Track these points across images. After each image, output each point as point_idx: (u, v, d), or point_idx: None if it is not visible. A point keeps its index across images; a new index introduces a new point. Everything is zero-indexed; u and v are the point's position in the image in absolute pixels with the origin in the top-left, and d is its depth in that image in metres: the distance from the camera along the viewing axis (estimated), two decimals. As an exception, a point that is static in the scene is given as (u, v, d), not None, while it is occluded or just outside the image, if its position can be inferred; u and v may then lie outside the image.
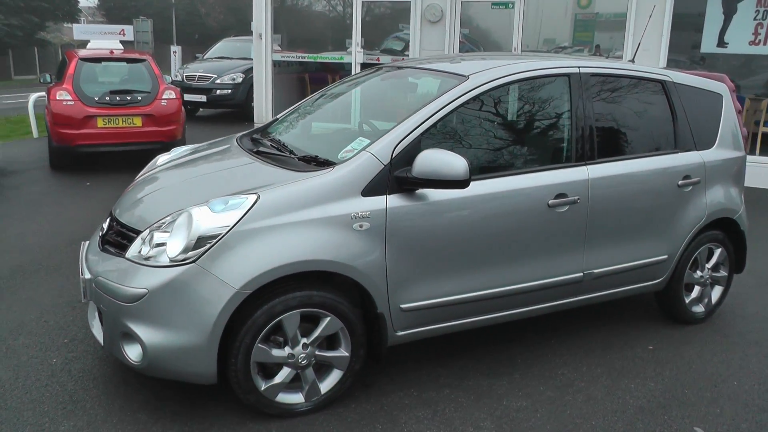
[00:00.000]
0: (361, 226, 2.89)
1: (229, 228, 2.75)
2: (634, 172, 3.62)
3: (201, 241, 2.74)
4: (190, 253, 2.74)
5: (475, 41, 10.97)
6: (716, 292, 4.28)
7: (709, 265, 4.16)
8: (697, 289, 4.16)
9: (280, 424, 2.94)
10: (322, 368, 3.05)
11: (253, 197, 2.83)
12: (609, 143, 3.64)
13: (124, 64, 7.80)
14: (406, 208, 2.98)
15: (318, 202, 2.86)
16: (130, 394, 3.16)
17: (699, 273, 4.12)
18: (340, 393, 3.07)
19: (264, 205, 2.82)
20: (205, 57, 13.78)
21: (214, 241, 2.74)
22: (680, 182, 3.79)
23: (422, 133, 3.05)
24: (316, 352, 2.96)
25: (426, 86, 3.61)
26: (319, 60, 10.47)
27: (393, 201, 2.96)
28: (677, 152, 3.84)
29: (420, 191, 3.01)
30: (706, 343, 3.92)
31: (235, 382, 2.85)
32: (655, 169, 3.71)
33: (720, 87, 4.13)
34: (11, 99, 18.63)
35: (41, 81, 7.68)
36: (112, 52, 7.85)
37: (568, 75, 3.48)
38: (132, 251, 2.90)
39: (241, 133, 4.04)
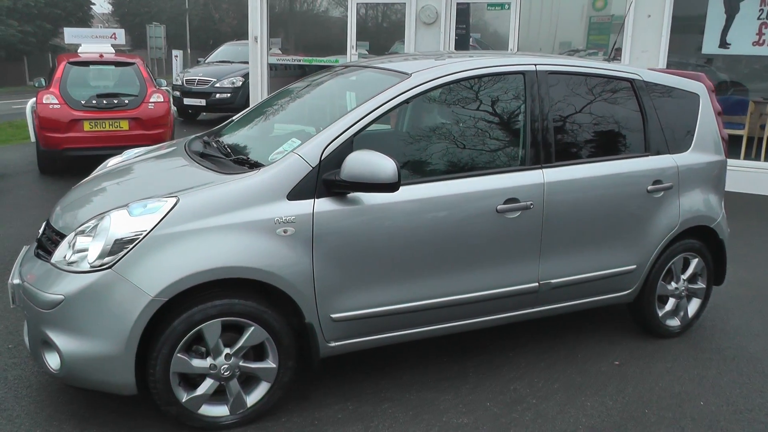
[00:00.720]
0: (285, 232, 2.74)
1: (146, 232, 2.63)
2: (597, 176, 3.41)
3: (117, 245, 2.62)
4: (107, 259, 2.62)
5: (486, 46, 10.77)
6: (693, 305, 4.02)
7: (684, 276, 3.91)
8: (671, 301, 3.92)
9: (204, 439, 2.80)
10: (250, 380, 2.90)
11: (172, 201, 2.70)
12: (570, 145, 3.44)
13: (113, 67, 7.78)
14: (337, 213, 2.82)
15: (240, 206, 2.72)
16: (60, 404, 3.05)
17: (674, 284, 3.88)
18: (269, 406, 2.91)
19: (183, 209, 2.69)
20: (206, 61, 13.80)
21: (131, 246, 2.62)
22: (650, 187, 3.56)
23: (355, 134, 2.89)
24: (241, 363, 2.81)
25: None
26: (314, 63, 10.36)
27: (321, 205, 2.80)
28: (647, 155, 3.62)
29: (352, 195, 2.85)
30: (678, 358, 3.68)
31: (155, 392, 2.71)
32: (621, 174, 3.50)
33: (697, 87, 3.89)
34: (22, 104, 18.89)
35: (35, 85, 7.69)
36: (101, 56, 7.84)
37: (522, 73, 3.29)
38: (57, 256, 2.80)
39: (194, 135, 3.93)
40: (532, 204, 3.17)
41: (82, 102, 7.21)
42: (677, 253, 3.81)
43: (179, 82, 12.06)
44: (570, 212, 3.32)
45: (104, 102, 7.31)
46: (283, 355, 2.85)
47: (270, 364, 2.86)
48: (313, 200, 2.79)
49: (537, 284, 3.30)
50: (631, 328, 4.02)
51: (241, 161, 3.04)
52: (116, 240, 2.63)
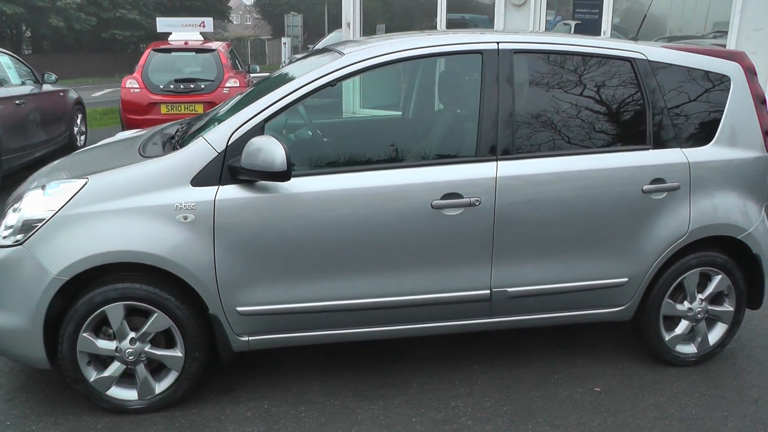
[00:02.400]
0: (185, 218, 2.60)
1: (54, 212, 2.62)
2: (572, 171, 2.88)
3: (28, 223, 2.64)
4: (19, 236, 2.65)
5: (624, 30, 9.85)
6: (717, 331, 3.31)
7: (703, 296, 3.22)
8: (684, 324, 3.25)
9: (110, 420, 2.76)
10: (162, 368, 2.81)
11: (82, 182, 2.67)
12: (539, 136, 2.92)
13: (194, 54, 8.12)
14: (242, 202, 2.62)
15: (143, 189, 2.62)
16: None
17: (687, 304, 3.21)
18: (178, 395, 2.80)
19: (90, 191, 2.64)
20: (315, 48, 14.03)
21: (40, 224, 2.62)
22: (647, 187, 2.95)
23: (268, 118, 2.66)
24: (146, 349, 2.73)
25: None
26: None
27: (226, 192, 2.62)
28: (647, 149, 2.99)
29: (262, 183, 2.64)
30: (678, 393, 3.04)
31: (63, 369, 2.72)
32: (607, 169, 2.92)
33: (729, 67, 3.15)
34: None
35: (53, 79, 8.11)
36: (186, 43, 8.21)
37: (480, 52, 2.84)
38: None
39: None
40: (478, 200, 2.74)
41: (161, 86, 7.61)
42: (691, 268, 3.13)
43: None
44: (532, 212, 2.84)
45: (181, 86, 7.65)
46: (189, 345, 2.73)
47: (177, 353, 2.75)
48: (217, 187, 2.62)
49: (488, 292, 2.87)
50: (636, 349, 3.41)
51: (174, 146, 2.94)
52: (27, 218, 2.65)
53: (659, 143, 3.00)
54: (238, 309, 2.70)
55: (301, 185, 2.66)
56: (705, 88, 3.12)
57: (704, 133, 3.09)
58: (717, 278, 3.20)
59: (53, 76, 7.21)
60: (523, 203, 2.82)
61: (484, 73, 2.81)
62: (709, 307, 3.24)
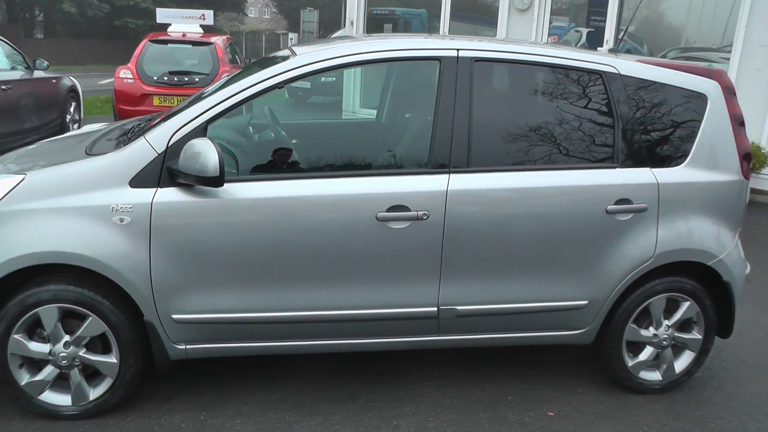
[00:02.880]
0: (121, 220, 2.51)
1: None
2: (530, 187, 2.75)
3: None
4: None
5: (640, 39, 9.67)
6: (684, 359, 3.17)
7: (669, 322, 3.08)
8: (648, 350, 3.11)
9: (42, 425, 2.68)
10: (98, 373, 2.72)
11: (19, 177, 2.59)
12: (497, 149, 2.79)
13: (190, 46, 8.04)
14: (180, 206, 2.53)
15: (82, 188, 2.53)
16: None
17: (652, 330, 3.07)
18: (113, 402, 2.72)
19: (28, 187, 2.56)
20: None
21: None
22: (611, 207, 2.81)
23: (211, 119, 2.56)
24: (81, 354, 2.65)
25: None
26: None
27: (164, 195, 2.52)
28: (614, 167, 2.86)
29: (201, 187, 2.54)
30: (639, 422, 2.91)
31: (-6, 371, 2.64)
32: (568, 187, 2.79)
33: (706, 85, 3.00)
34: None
35: (45, 66, 8.06)
36: (184, 35, 8.14)
37: (438, 59, 2.72)
38: None
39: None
40: (426, 214, 2.63)
41: (155, 78, 7.55)
42: (657, 293, 3.00)
43: None
44: (485, 229, 2.71)
45: (175, 79, 7.59)
46: (124, 352, 2.64)
47: (112, 359, 2.66)
48: (155, 189, 2.53)
49: (435, 309, 2.75)
50: (600, 373, 3.28)
51: (123, 142, 2.85)
52: None
53: (627, 162, 2.86)
54: (174, 316, 2.61)
55: (241, 191, 2.56)
56: (680, 106, 2.97)
57: (677, 154, 2.95)
58: (685, 305, 3.06)
59: (45, 63, 7.17)
60: (475, 219, 2.69)
61: (441, 80, 2.68)
62: (676, 334, 3.11)
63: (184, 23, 8.58)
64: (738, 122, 3.04)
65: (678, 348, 3.17)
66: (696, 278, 3.05)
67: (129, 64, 7.66)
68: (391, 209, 2.60)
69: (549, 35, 8.72)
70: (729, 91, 3.04)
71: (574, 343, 3.03)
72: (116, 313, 2.59)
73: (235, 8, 31.24)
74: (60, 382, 2.70)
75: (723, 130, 3.00)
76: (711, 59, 7.52)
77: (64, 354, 2.62)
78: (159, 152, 2.53)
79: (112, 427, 2.67)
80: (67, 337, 2.62)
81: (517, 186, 2.73)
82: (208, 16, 8.90)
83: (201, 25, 8.64)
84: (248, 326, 2.67)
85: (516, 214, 2.74)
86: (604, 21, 8.87)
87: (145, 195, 2.51)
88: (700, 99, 2.98)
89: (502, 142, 2.79)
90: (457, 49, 2.73)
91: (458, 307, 2.76)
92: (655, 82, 2.94)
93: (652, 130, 2.91)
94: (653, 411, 3.00)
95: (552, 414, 2.92)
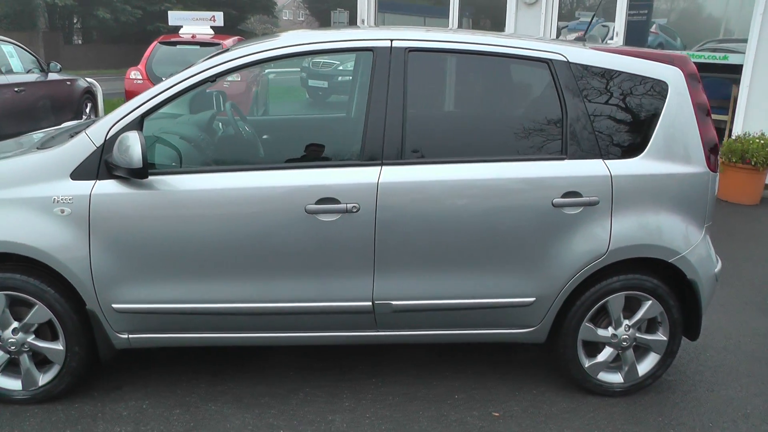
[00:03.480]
0: (62, 212, 2.61)
1: None
2: (468, 179, 2.69)
3: None
4: None
5: (673, 32, 9.38)
6: (648, 361, 3.04)
7: (630, 322, 2.96)
8: (608, 351, 3.00)
9: (-8, 408, 2.81)
10: (48, 360, 2.84)
11: None
12: (434, 141, 2.76)
13: (198, 47, 8.24)
14: (118, 198, 2.61)
15: (26, 180, 2.65)
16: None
17: (611, 330, 2.96)
18: (60, 388, 2.82)
19: None
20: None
21: None
22: (558, 200, 2.73)
23: (147, 112, 2.64)
24: (29, 340, 2.77)
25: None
26: None
27: (102, 187, 2.61)
28: (562, 159, 2.77)
29: (138, 179, 2.61)
30: (591, 425, 2.80)
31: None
32: (511, 180, 2.72)
33: (666, 72, 2.87)
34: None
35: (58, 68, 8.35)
36: (193, 37, 8.36)
37: (372, 49, 2.70)
38: None
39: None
40: (356, 207, 2.62)
41: (163, 79, 7.77)
42: (614, 291, 2.88)
43: (307, 65, 12.44)
44: (420, 223, 2.68)
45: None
46: (69, 339, 2.74)
47: (58, 346, 2.77)
48: (93, 182, 2.62)
49: (370, 304, 2.74)
50: (560, 374, 3.18)
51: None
52: None
53: (577, 153, 2.77)
54: (114, 306, 2.69)
55: (174, 183, 2.62)
56: (637, 95, 2.86)
57: (634, 144, 2.83)
58: (647, 304, 2.93)
59: (58, 66, 7.51)
60: (408, 213, 2.66)
61: (375, 71, 2.67)
62: (638, 335, 2.98)
63: (195, 25, 8.80)
64: (703, 111, 2.90)
65: (642, 349, 3.04)
66: (660, 276, 2.92)
67: (139, 66, 7.94)
68: (320, 202, 2.60)
69: (569, 31, 8.52)
70: (693, 79, 2.90)
71: (524, 341, 2.95)
72: (61, 302, 2.69)
73: (265, 11, 31.87)
74: (12, 368, 2.83)
75: (685, 119, 2.86)
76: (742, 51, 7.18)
77: (13, 340, 2.74)
78: (97, 146, 2.62)
79: (58, 413, 2.78)
80: (15, 324, 2.74)
81: (453, 178, 2.68)
82: (219, 17, 9.10)
83: (213, 27, 8.85)
84: (185, 317, 2.73)
85: (452, 208, 2.69)
86: (638, 14, 8.62)
87: (84, 187, 2.61)
88: (660, 87, 2.85)
89: (439, 133, 2.75)
90: (391, 39, 2.71)
91: (393, 302, 2.74)
92: (609, 70, 2.83)
93: (605, 120, 2.80)
94: (609, 414, 2.89)
95: (497, 414, 2.85)
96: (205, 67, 2.66)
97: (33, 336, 2.77)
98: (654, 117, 2.84)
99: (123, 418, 2.74)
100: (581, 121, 2.77)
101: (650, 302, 2.93)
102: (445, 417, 2.81)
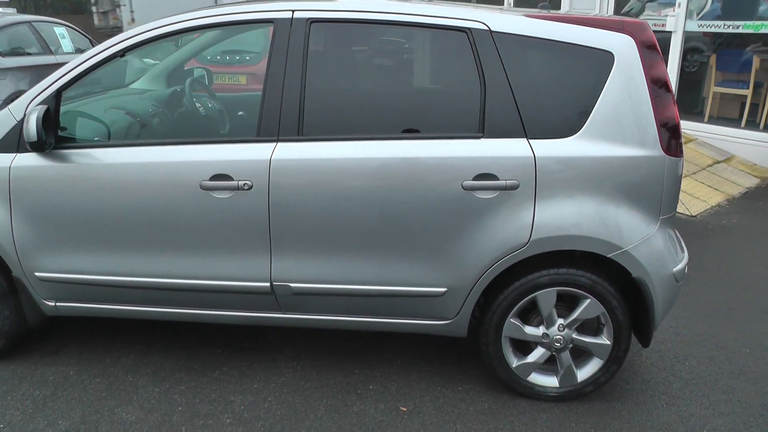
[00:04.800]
0: (-15, 182, 2.81)
1: None
2: (370, 158, 2.56)
3: None
4: None
5: None
6: (591, 366, 2.80)
7: (565, 322, 2.73)
8: (539, 351, 2.79)
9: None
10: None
11: None
12: (337, 117, 2.65)
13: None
14: (35, 170, 2.76)
15: (-42, 153, 2.88)
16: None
17: (542, 329, 2.75)
18: (-2, 351, 3.07)
19: None
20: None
21: None
22: (468, 183, 2.54)
23: (63, 87, 2.74)
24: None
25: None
26: None
27: (22, 160, 2.77)
28: (478, 138, 2.57)
29: (56, 152, 2.75)
30: (503, 431, 2.63)
31: None
32: (415, 159, 2.55)
33: (613, 41, 2.56)
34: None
35: None
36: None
37: (272, 21, 2.64)
38: None
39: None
40: (248, 184, 2.59)
41: (208, 57, 8.06)
42: (542, 286, 2.66)
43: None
44: (315, 202, 2.59)
45: (227, 57, 8.05)
46: (0, 303, 2.97)
47: (-9, 310, 3.01)
48: (14, 154, 2.79)
49: (269, 285, 2.71)
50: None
51: None
52: None
53: (496, 132, 2.56)
54: (37, 274, 2.87)
55: (81, 157, 2.72)
56: (574, 67, 2.59)
57: (568, 123, 2.57)
58: (585, 303, 2.68)
59: None
60: (304, 192, 2.59)
61: (274, 44, 2.61)
62: (575, 336, 2.74)
63: None
64: (659, 85, 2.57)
65: (580, 353, 2.80)
66: (604, 273, 2.66)
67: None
68: (214, 178, 2.61)
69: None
70: (649, 49, 2.58)
71: (442, 334, 2.81)
72: (-11, 269, 2.92)
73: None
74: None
75: (635, 94, 2.55)
76: None
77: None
78: (17, 120, 2.78)
79: (-10, 373, 3.02)
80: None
81: (351, 157, 2.57)
82: None
83: None
84: (99, 288, 2.86)
85: (350, 188, 2.58)
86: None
87: (5, 159, 2.79)
88: (604, 58, 2.56)
89: (342, 109, 2.65)
90: (293, 10, 2.63)
91: (292, 285, 2.70)
92: (541, 39, 2.58)
93: (533, 95, 2.56)
94: (532, 420, 2.69)
95: (404, 409, 2.75)
96: (115, 42, 2.73)
97: (-28, 299, 3.02)
98: (594, 92, 2.56)
99: (47, 382, 2.93)
100: (502, 96, 2.55)
101: (588, 301, 2.68)
102: (347, 407, 2.75)
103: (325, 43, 2.65)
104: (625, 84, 2.54)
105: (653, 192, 2.59)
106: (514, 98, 2.55)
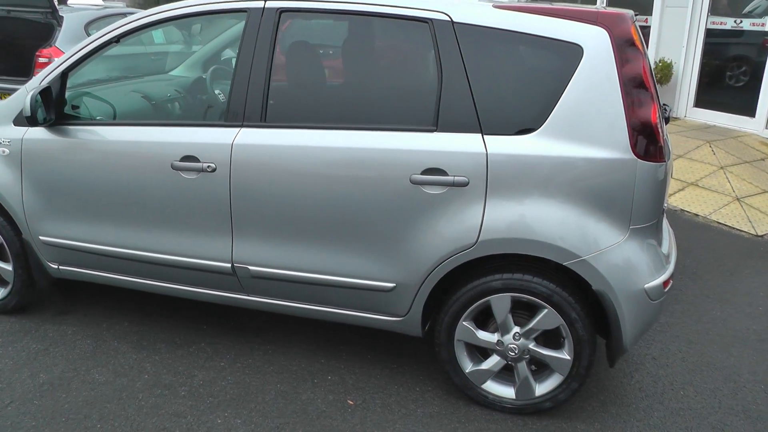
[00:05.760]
0: (3, 152, 3.21)
1: None
2: (325, 147, 2.61)
3: None
4: None
5: None
6: (551, 381, 2.70)
7: (521, 330, 2.65)
8: (495, 358, 2.73)
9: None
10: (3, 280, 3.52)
11: None
12: (300, 105, 2.74)
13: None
14: (44, 143, 3.11)
15: (-17, 125, 3.31)
16: None
17: (497, 336, 2.69)
18: (11, 305, 3.46)
19: None
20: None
21: None
22: (416, 177, 2.54)
23: (68, 68, 3.06)
24: (-7, 261, 3.47)
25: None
26: None
27: (33, 133, 3.13)
28: (431, 131, 2.56)
29: (60, 128, 3.08)
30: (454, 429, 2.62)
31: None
32: (367, 150, 2.58)
33: (583, 34, 2.44)
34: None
35: None
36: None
37: (246, 10, 2.77)
38: None
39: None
40: (212, 167, 2.75)
41: None
42: (495, 290, 2.60)
43: None
44: (270, 188, 2.69)
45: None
46: (15, 262, 3.37)
47: (8, 267, 3.41)
48: (27, 128, 3.16)
49: (230, 266, 2.87)
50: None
51: None
52: None
53: (450, 126, 2.53)
54: (41, 238, 3.23)
55: (77, 133, 3.03)
56: (538, 61, 2.50)
57: (527, 120, 2.49)
58: (542, 312, 2.59)
59: None
60: (260, 176, 2.70)
61: (245, 33, 2.75)
62: (532, 347, 2.65)
63: None
64: (635, 84, 2.42)
65: (540, 366, 2.71)
66: (567, 282, 2.56)
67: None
68: (183, 159, 2.80)
69: None
70: (625, 43, 2.44)
71: (396, 331, 2.82)
72: (6, 229, 3.32)
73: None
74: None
75: (603, 91, 2.42)
76: None
77: (-18, 259, 3.46)
78: (31, 96, 3.15)
79: (3, 324, 3.42)
80: (-15, 246, 3.45)
81: (307, 145, 2.65)
82: None
83: None
84: (88, 255, 3.16)
85: (305, 175, 2.65)
86: None
87: (20, 132, 3.16)
88: (571, 52, 2.46)
89: (305, 97, 2.73)
90: (266, 0, 2.75)
91: (251, 267, 2.83)
92: (505, 31, 2.52)
93: (492, 89, 2.51)
94: (479, 429, 2.65)
95: (351, 403, 2.80)
96: (111, 29, 3.00)
97: (-2, 259, 3.46)
98: (558, 88, 2.46)
99: (46, 338, 3.29)
100: (459, 89, 2.52)
101: (546, 311, 2.58)
102: (297, 394, 2.84)
103: (292, 33, 2.76)
104: (594, 80, 2.42)
105: (622, 198, 2.45)
106: (471, 92, 2.51)
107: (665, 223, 3.05)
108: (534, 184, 2.46)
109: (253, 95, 2.72)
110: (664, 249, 2.74)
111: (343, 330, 3.34)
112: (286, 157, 2.68)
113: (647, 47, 8.21)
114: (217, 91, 3.58)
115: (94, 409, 2.73)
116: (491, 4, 2.59)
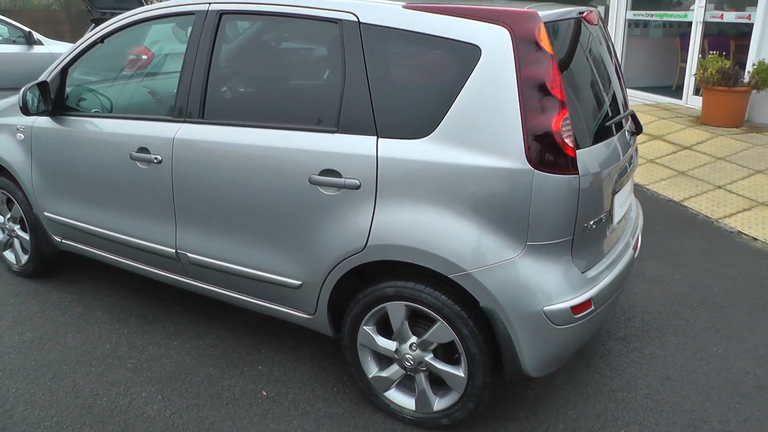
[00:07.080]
0: (20, 137, 3.80)
1: None
2: (243, 144, 2.81)
3: None
4: None
5: None
6: (449, 398, 2.69)
7: (417, 341, 2.66)
8: (394, 369, 2.77)
9: None
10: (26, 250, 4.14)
11: None
12: (229, 102, 2.96)
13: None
14: (46, 131, 3.64)
15: (8, 113, 3.91)
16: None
17: (395, 343, 2.72)
18: (30, 270, 4.09)
19: None
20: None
21: None
22: (314, 177, 2.63)
23: (68, 64, 3.55)
24: (17, 230, 4.10)
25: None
26: (663, 18, 9.41)
27: (41, 122, 3.68)
28: (333, 132, 2.64)
29: (60, 117, 3.58)
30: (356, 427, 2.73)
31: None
32: (275, 148, 2.73)
33: (483, 34, 2.36)
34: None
35: None
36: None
37: (193, 13, 3.02)
38: None
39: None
40: (158, 158, 3.06)
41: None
42: (389, 297, 2.63)
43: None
44: (202, 181, 2.94)
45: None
46: (32, 233, 3.97)
47: (27, 236, 4.02)
48: (37, 116, 3.71)
49: (174, 251, 3.16)
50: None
51: None
52: None
53: (349, 128, 2.60)
54: (45, 213, 3.78)
55: (67, 123, 3.50)
56: (436, 62, 2.49)
57: (421, 123, 2.49)
58: (435, 325, 2.59)
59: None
60: (196, 170, 2.96)
61: (192, 34, 3.01)
62: (428, 360, 2.66)
63: None
64: (538, 88, 2.32)
65: (437, 380, 2.71)
66: (459, 296, 2.54)
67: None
68: (139, 150, 3.15)
69: None
70: (528, 44, 2.34)
71: (310, 327, 2.95)
72: (25, 204, 3.92)
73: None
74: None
75: (500, 96, 2.35)
76: None
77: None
78: (39, 90, 3.69)
79: (15, 286, 4.04)
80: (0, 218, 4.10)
81: (229, 141, 2.85)
82: None
83: None
84: (77, 232, 3.64)
85: (228, 170, 2.87)
86: None
87: (32, 119, 3.72)
88: (468, 53, 2.41)
89: (231, 96, 2.94)
90: (209, 3, 2.99)
91: (189, 254, 3.11)
92: (407, 32, 2.52)
93: (389, 91, 2.53)
94: (371, 437, 2.71)
95: (265, 393, 2.98)
96: (99, 30, 3.43)
97: (18, 226, 4.08)
98: (453, 91, 2.43)
99: (48, 302, 3.85)
100: (359, 91, 2.58)
101: (439, 323, 2.57)
102: (221, 381, 3.07)
103: (229, 35, 2.97)
104: (489, 83, 2.36)
105: (516, 212, 2.37)
106: (370, 94, 2.56)
107: (621, 246, 2.86)
108: (424, 190, 2.46)
109: (195, 93, 2.99)
110: (595, 270, 2.59)
111: (296, 327, 3.51)
112: (214, 152, 2.92)
113: (749, 45, 7.35)
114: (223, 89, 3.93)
115: (50, 369, 3.18)
116: (402, 3, 2.59)
